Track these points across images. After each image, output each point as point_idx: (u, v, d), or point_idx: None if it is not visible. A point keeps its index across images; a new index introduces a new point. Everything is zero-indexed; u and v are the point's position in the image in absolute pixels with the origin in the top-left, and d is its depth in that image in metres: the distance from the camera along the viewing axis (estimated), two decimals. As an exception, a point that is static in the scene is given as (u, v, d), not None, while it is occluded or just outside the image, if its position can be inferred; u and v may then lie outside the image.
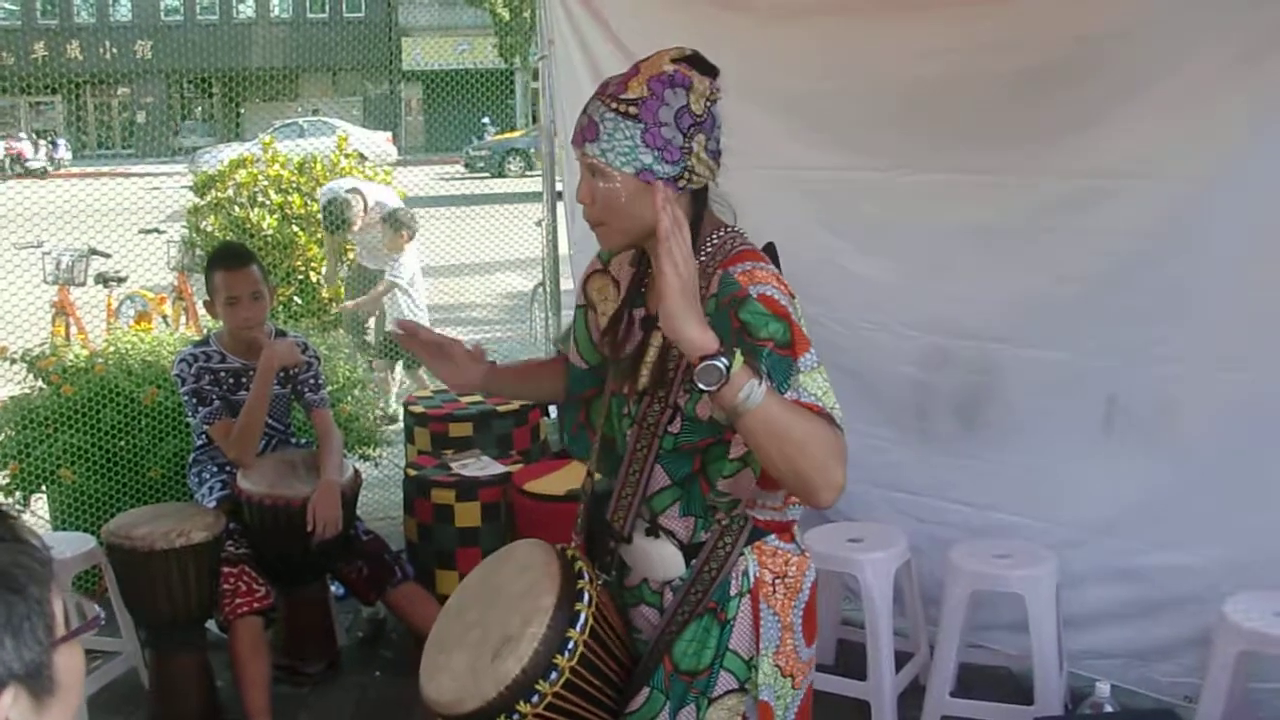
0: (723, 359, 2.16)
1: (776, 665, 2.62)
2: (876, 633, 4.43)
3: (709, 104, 2.49)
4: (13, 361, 5.99)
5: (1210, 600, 4.05)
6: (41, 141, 31.44)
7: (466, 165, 28.54)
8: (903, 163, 4.85)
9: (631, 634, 2.69)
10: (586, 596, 2.56)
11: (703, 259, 2.50)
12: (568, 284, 6.68)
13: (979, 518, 4.80)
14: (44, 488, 5.54)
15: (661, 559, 2.63)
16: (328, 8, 43.71)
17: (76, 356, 5.96)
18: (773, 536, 2.63)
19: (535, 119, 8.33)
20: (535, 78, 8.54)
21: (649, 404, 2.58)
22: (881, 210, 4.95)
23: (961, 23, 4.57)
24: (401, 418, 6.33)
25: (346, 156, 9.81)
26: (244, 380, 4.65)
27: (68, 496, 5.32)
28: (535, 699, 2.49)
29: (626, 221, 2.52)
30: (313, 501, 4.42)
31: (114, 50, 39.23)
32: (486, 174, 27.12)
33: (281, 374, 4.71)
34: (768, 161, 5.20)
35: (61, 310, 9.73)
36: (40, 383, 5.86)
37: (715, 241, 2.58)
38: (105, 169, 22.63)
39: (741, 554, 2.58)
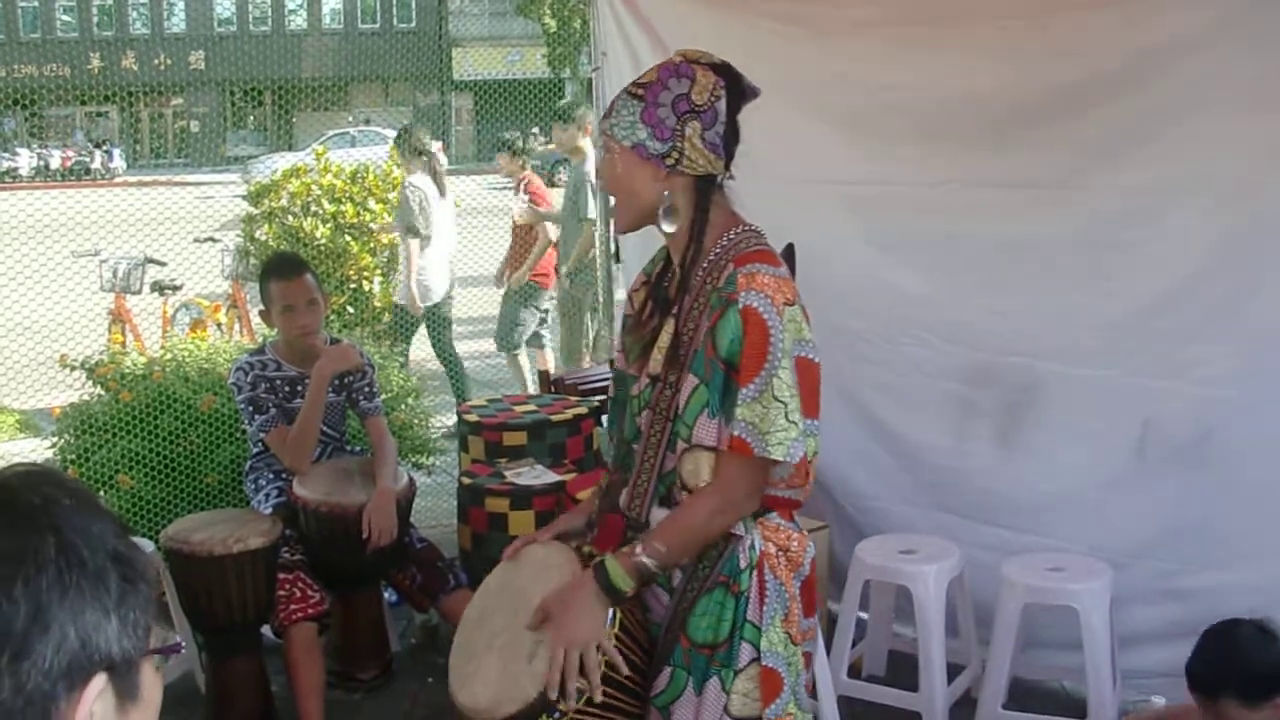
0: (609, 581, 2.63)
1: (786, 633, 2.74)
2: (929, 644, 4.42)
3: (712, 99, 2.68)
4: (72, 369, 6.06)
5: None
6: (97, 151, 31.79)
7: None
8: (951, 177, 4.83)
9: (646, 615, 2.80)
10: None
11: (717, 253, 2.72)
12: (620, 293, 6.71)
13: (1016, 540, 4.73)
14: (102, 493, 5.59)
15: None
16: (379, 18, 44.05)
17: (134, 364, 6.01)
18: (774, 514, 2.77)
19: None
20: (586, 88, 8.55)
21: (661, 389, 2.73)
22: (927, 224, 4.93)
23: (1012, 36, 4.56)
24: (455, 426, 6.36)
25: (397, 165, 9.86)
26: (300, 388, 4.69)
27: (126, 502, 5.37)
28: (575, 698, 2.57)
29: (625, 194, 2.78)
30: (368, 509, 4.46)
31: (168, 61, 39.71)
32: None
33: (336, 382, 4.75)
34: (816, 175, 5.22)
35: (118, 318, 9.83)
36: (99, 389, 5.92)
37: (731, 237, 2.75)
38: (159, 178, 22.87)
39: (747, 529, 2.71)
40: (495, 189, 17.98)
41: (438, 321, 8.68)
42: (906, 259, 5.03)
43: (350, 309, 9.35)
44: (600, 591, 2.64)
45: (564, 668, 2.57)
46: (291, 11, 43.64)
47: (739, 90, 2.72)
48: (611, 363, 6.05)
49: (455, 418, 6.45)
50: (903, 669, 4.73)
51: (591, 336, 8.47)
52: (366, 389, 4.85)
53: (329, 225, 9.30)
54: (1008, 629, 4.38)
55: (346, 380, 4.80)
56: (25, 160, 29.47)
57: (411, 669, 5.11)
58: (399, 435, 5.81)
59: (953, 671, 4.57)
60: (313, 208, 9.49)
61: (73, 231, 9.15)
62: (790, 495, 2.79)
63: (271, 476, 4.78)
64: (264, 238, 9.63)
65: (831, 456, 5.39)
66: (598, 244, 6.74)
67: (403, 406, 6.36)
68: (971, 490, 4.94)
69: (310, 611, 4.40)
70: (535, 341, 9.34)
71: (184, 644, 1.28)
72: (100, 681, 1.11)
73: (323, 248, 9.12)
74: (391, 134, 19.07)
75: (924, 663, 4.44)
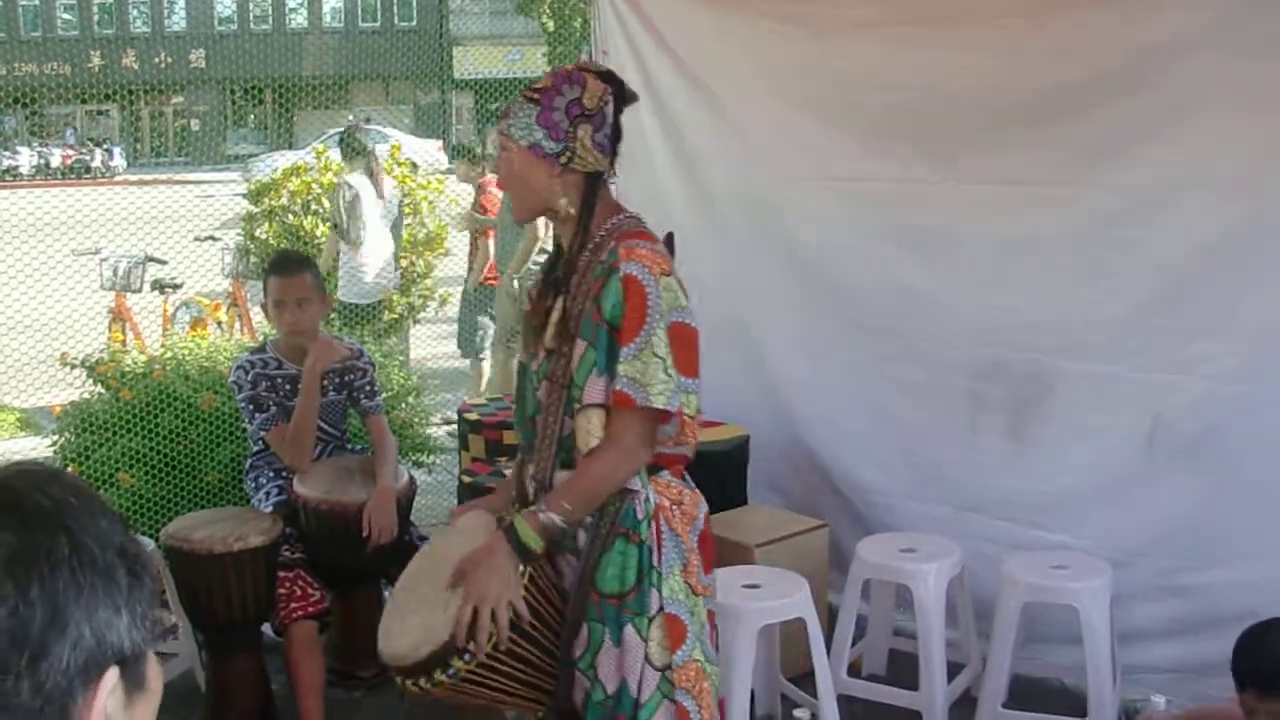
0: (519, 541, 2.86)
1: (687, 584, 2.98)
2: (929, 643, 4.42)
3: (601, 104, 2.96)
4: (72, 367, 6.05)
5: (1261, 617, 4.02)
6: (98, 149, 31.78)
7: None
8: (957, 174, 4.86)
9: (560, 580, 3.03)
10: None
11: (601, 235, 3.00)
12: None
13: (1024, 535, 4.77)
14: (103, 491, 5.59)
15: None
16: (379, 17, 44.01)
17: (134, 362, 6.01)
18: (665, 472, 3.02)
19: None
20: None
21: (556, 360, 3.00)
22: (935, 221, 4.96)
23: (1017, 35, 4.58)
24: (456, 424, 6.36)
25: (399, 164, 9.87)
26: (300, 387, 4.69)
27: (126, 500, 5.36)
28: (484, 640, 2.80)
29: (521, 189, 3.06)
30: (368, 507, 4.45)
31: (169, 59, 39.67)
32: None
33: (336, 380, 4.75)
34: (818, 173, 5.25)
35: (118, 316, 9.83)
36: (99, 388, 5.92)
37: (615, 221, 3.04)
38: (160, 176, 22.84)
39: (643, 484, 2.94)
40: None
41: (372, 321, 8.71)
42: (911, 255, 5.06)
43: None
44: (511, 551, 2.87)
45: (475, 620, 2.80)
46: (292, 10, 43.60)
47: (622, 96, 3.01)
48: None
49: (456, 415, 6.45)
50: (903, 667, 4.74)
51: None
52: (367, 387, 4.85)
53: (329, 223, 9.30)
54: (1008, 627, 4.38)
55: (347, 379, 4.80)
56: (26, 158, 29.45)
57: (412, 667, 5.10)
58: (399, 434, 5.80)
59: (953, 670, 4.57)
60: (313, 206, 9.50)
61: (73, 230, 9.14)
62: (678, 452, 3.03)
63: (272, 475, 4.78)
64: (264, 236, 9.63)
65: (838, 451, 5.44)
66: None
67: (403, 405, 6.36)
68: (977, 485, 4.96)
69: (310, 610, 4.39)
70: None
71: (179, 628, 1.28)
72: (113, 676, 1.12)
73: (323, 246, 9.12)
74: (393, 133, 19.14)
75: (924, 661, 4.45)
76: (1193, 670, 4.41)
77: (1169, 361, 4.36)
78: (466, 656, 2.81)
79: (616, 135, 3.02)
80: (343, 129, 9.21)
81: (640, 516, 2.92)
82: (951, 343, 4.97)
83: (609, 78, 3.02)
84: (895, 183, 5.06)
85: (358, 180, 8.54)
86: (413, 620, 2.96)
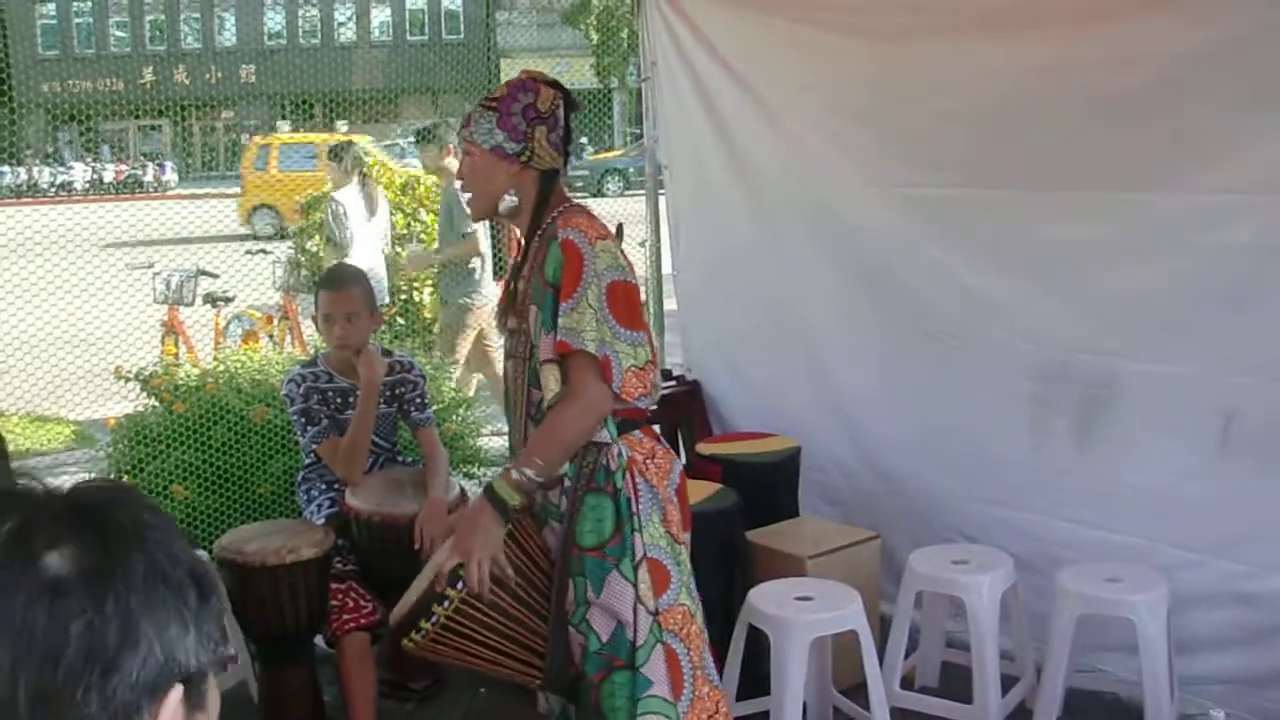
0: (497, 498, 3.13)
1: (669, 533, 3.19)
2: (983, 656, 4.39)
3: (553, 107, 3.30)
4: (126, 380, 6.11)
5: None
6: (149, 164, 32.08)
7: (565, 185, 28.59)
8: (1015, 179, 4.83)
9: (546, 545, 3.27)
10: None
11: (548, 222, 3.30)
12: (670, 304, 6.71)
13: (1089, 536, 4.72)
14: (157, 503, 5.63)
15: None
16: (427, 30, 44.26)
17: (187, 375, 6.06)
18: (637, 430, 3.27)
19: (634, 139, 8.31)
20: (634, 98, 8.55)
21: (516, 339, 3.35)
22: (995, 226, 4.95)
23: (1075, 40, 4.55)
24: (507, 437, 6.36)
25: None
26: (351, 400, 4.71)
27: (180, 512, 5.40)
28: (460, 585, 3.07)
29: (482, 189, 3.36)
30: (419, 519, 4.46)
31: (219, 74, 40.03)
32: (585, 193, 27.19)
33: (387, 393, 4.77)
34: (874, 180, 5.23)
35: (171, 330, 9.91)
36: (153, 401, 5.97)
37: (560, 210, 3.33)
38: (211, 190, 23.04)
39: (614, 439, 3.18)
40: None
41: None
42: (971, 261, 5.04)
43: (400, 320, 9.38)
44: (492, 509, 3.12)
45: (441, 568, 3.14)
46: (341, 24, 43.92)
47: (571, 102, 3.35)
48: (668, 372, 6.06)
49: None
50: (956, 680, 4.70)
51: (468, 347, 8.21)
52: (418, 400, 4.86)
53: (326, 240, 9.33)
54: (1062, 640, 4.34)
55: (398, 391, 4.82)
56: (80, 173, 29.78)
57: (463, 679, 5.10)
58: (450, 446, 5.82)
59: (1007, 682, 4.53)
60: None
61: (126, 244, 9.24)
62: (641, 405, 3.23)
63: (324, 487, 4.80)
64: (314, 249, 9.68)
65: (900, 458, 5.42)
66: (647, 255, 6.72)
67: (454, 417, 6.38)
68: (1043, 485, 4.91)
69: (363, 621, 4.41)
70: None
71: (237, 654, 1.29)
72: (177, 693, 1.13)
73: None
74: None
75: (978, 674, 4.41)
76: (1253, 682, 4.36)
77: (1241, 363, 4.30)
78: (445, 603, 3.06)
79: (567, 136, 3.36)
80: (333, 145, 9.18)
81: (614, 468, 3.15)
82: (1016, 346, 4.93)
83: (556, 85, 3.36)
84: (953, 188, 5.04)
85: (346, 196, 8.62)
86: (413, 587, 3.31)
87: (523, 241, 3.41)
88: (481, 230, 7.70)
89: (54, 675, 1.06)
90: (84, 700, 1.06)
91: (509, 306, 3.41)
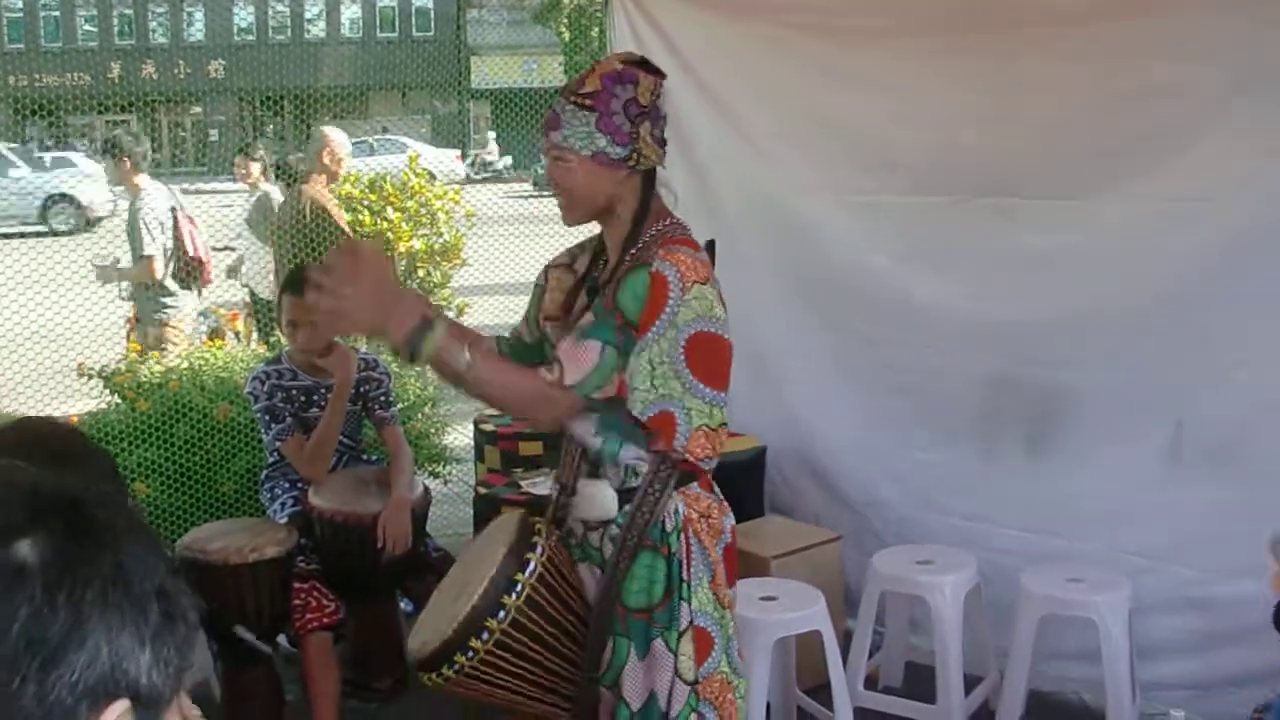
0: (421, 335, 2.59)
1: (715, 595, 2.92)
2: (946, 657, 4.40)
3: (654, 97, 2.87)
4: (89, 377, 6.07)
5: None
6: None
7: (534, 184, 28.58)
8: (969, 188, 4.84)
9: (581, 590, 2.98)
10: (539, 548, 2.89)
11: (645, 241, 2.90)
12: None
13: (1044, 545, 4.73)
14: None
15: (601, 499, 2.93)
16: (397, 27, 44.10)
17: (151, 372, 6.02)
18: (695, 484, 2.95)
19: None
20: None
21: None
22: (947, 235, 4.94)
23: (1029, 50, 4.55)
24: (472, 435, 6.36)
25: (417, 175, 9.87)
26: (315, 398, 4.70)
27: (142, 510, 5.38)
28: (485, 636, 2.82)
29: (583, 198, 2.92)
30: (383, 518, 4.46)
31: (187, 70, 39.78)
32: (548, 192, 27.08)
33: (353, 391, 4.75)
34: (832, 185, 5.23)
35: (136, 325, 9.83)
36: (116, 398, 5.93)
37: (660, 228, 2.93)
38: (179, 186, 22.89)
39: (671, 496, 2.87)
40: (513, 197, 18.02)
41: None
42: (924, 270, 5.03)
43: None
44: (413, 327, 2.59)
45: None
46: (310, 21, 43.71)
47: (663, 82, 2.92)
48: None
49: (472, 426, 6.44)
50: (920, 680, 4.71)
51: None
52: (382, 397, 4.85)
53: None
54: (1025, 641, 4.36)
55: (362, 389, 4.81)
56: (46, 168, 29.53)
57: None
58: (415, 444, 5.80)
59: (970, 682, 4.54)
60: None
61: (91, 239, 9.16)
62: (706, 465, 2.94)
63: (287, 485, 4.78)
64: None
65: (852, 465, 5.41)
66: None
67: (419, 415, 6.36)
68: (995, 495, 4.92)
69: (326, 621, 4.40)
70: None
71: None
72: (121, 707, 1.11)
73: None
74: (410, 143, 19.13)
75: (941, 674, 4.43)
76: (1212, 685, 4.38)
77: (1190, 369, 4.33)
78: (470, 654, 2.84)
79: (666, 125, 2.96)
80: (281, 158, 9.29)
81: (669, 529, 2.87)
82: (967, 355, 4.94)
83: (653, 68, 2.92)
84: (907, 196, 5.04)
85: (271, 186, 8.79)
86: (431, 619, 3.03)
87: (612, 252, 3.02)
88: (159, 255, 7.76)
89: None
90: (19, 691, 1.04)
91: (564, 317, 3.02)
